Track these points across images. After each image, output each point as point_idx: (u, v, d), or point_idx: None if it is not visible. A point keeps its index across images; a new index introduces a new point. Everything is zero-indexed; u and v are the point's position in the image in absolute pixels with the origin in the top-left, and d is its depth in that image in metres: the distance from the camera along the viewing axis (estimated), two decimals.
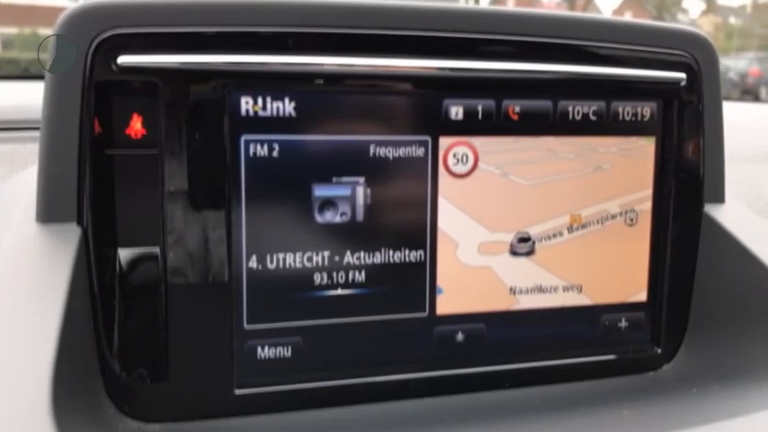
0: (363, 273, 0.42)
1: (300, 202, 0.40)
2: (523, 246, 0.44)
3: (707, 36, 0.47)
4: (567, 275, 0.46)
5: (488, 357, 0.44)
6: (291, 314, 0.41)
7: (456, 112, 0.42)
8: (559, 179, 0.45)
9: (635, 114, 0.45)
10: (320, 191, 0.40)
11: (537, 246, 0.45)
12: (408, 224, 0.42)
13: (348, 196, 0.41)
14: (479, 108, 0.42)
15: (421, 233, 0.42)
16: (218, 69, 0.38)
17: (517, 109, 0.43)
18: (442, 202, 0.42)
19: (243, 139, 0.39)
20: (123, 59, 0.37)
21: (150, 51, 0.37)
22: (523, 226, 0.44)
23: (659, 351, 0.48)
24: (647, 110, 0.46)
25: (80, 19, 0.37)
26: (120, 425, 0.38)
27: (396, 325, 0.43)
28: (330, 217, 0.41)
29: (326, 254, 0.41)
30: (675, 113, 0.46)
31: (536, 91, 0.43)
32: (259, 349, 0.41)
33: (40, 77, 0.89)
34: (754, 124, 1.04)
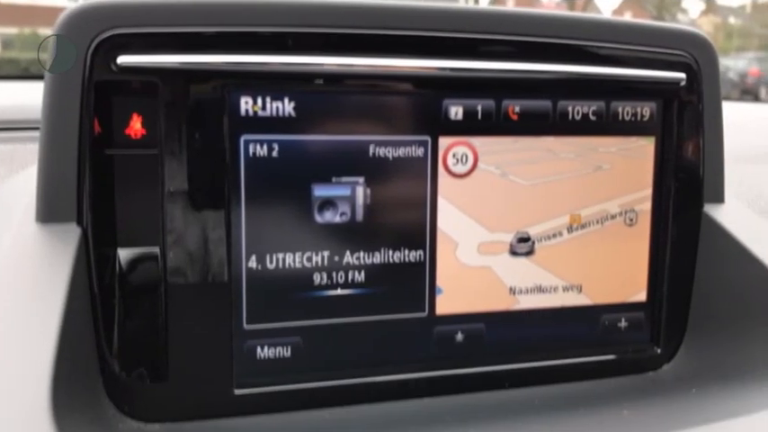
0: (363, 273, 0.42)
1: (300, 202, 0.40)
2: (523, 246, 0.44)
3: (707, 36, 0.47)
4: (566, 275, 0.46)
5: (488, 357, 0.44)
6: (291, 314, 0.41)
7: (456, 112, 0.42)
8: (559, 179, 0.45)
9: (635, 114, 0.45)
10: (320, 191, 0.40)
11: (536, 246, 0.45)
12: (408, 224, 0.42)
13: (348, 196, 0.41)
14: (479, 108, 0.42)
15: (420, 233, 0.42)
16: (217, 69, 0.38)
17: (517, 109, 0.43)
18: (441, 202, 0.42)
19: (242, 139, 0.39)
20: (123, 59, 0.37)
21: (150, 51, 0.37)
22: (523, 226, 0.44)
23: (659, 351, 0.48)
24: (646, 110, 0.46)
25: (80, 19, 0.37)
26: (120, 425, 0.38)
27: (395, 325, 0.43)
28: (330, 217, 0.41)
29: (326, 254, 0.41)
30: (675, 113, 0.46)
31: (536, 91, 0.43)
32: (258, 349, 0.41)
33: (39, 77, 0.89)
34: (753, 124, 1.03)
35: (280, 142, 0.39)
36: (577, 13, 0.47)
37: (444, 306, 0.43)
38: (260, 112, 0.39)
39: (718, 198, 0.48)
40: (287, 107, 0.39)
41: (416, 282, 0.43)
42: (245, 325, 0.40)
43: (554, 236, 0.45)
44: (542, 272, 0.45)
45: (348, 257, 0.41)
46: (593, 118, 0.45)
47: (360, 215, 0.41)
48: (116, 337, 0.38)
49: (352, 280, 0.41)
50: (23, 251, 0.36)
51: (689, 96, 0.46)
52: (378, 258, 0.42)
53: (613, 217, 0.46)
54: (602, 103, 0.45)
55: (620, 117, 0.45)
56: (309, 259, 0.41)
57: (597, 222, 0.46)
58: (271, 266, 0.40)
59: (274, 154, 0.39)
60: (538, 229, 0.45)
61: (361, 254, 0.41)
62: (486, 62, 0.42)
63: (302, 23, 0.39)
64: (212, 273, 0.39)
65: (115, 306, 0.38)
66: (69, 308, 0.33)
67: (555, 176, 0.44)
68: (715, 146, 0.48)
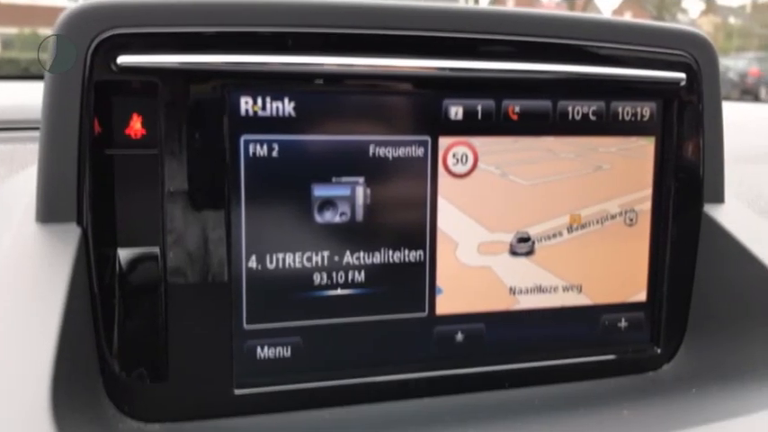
0: (363, 273, 0.42)
1: (300, 202, 0.40)
2: (523, 246, 0.44)
3: (707, 36, 0.47)
4: (566, 275, 0.46)
5: (488, 357, 0.44)
6: (291, 314, 0.41)
7: (456, 112, 0.42)
8: (559, 179, 0.45)
9: (635, 114, 0.45)
10: (320, 191, 0.40)
11: (536, 246, 0.45)
12: (408, 224, 0.42)
13: (348, 196, 0.41)
14: (479, 108, 0.42)
15: (420, 233, 0.42)
16: (217, 69, 0.38)
17: (517, 109, 0.43)
18: (441, 202, 0.42)
19: (242, 139, 0.39)
20: (123, 59, 0.37)
21: (150, 51, 0.37)
22: (523, 226, 0.44)
23: (659, 351, 0.48)
24: (646, 110, 0.46)
25: (80, 19, 0.37)
26: (120, 425, 0.38)
27: (395, 325, 0.43)
28: (330, 217, 0.41)
29: (326, 254, 0.41)
30: (675, 113, 0.46)
31: (536, 91, 0.43)
32: (258, 349, 0.41)
33: (39, 77, 0.89)
34: (753, 124, 1.03)
35: (280, 142, 0.39)
36: (577, 13, 0.47)
37: (444, 306, 0.43)
38: (260, 112, 0.39)
39: (718, 198, 0.48)
40: (287, 107, 0.39)
41: (416, 282, 0.43)
42: (245, 325, 0.40)
43: (554, 236, 0.45)
44: (542, 272, 0.45)
45: (348, 257, 0.41)
46: (593, 118, 0.45)
47: (360, 215, 0.41)
48: (116, 337, 0.38)
49: (352, 280, 0.41)
50: (23, 251, 0.36)
51: (689, 96, 0.46)
52: (378, 258, 0.42)
53: (613, 217, 0.46)
54: (602, 103, 0.45)
55: (620, 117, 0.45)
56: (309, 259, 0.41)
57: (597, 222, 0.46)
58: (271, 266, 0.40)
59: (274, 154, 0.39)
60: (538, 229, 0.45)
61: (361, 254, 0.41)
62: (486, 62, 0.42)
63: (302, 23, 0.39)
64: (212, 273, 0.39)
65: (115, 306, 0.38)
66: (69, 308, 0.33)
67: (555, 176, 0.44)
68: (715, 146, 0.48)
